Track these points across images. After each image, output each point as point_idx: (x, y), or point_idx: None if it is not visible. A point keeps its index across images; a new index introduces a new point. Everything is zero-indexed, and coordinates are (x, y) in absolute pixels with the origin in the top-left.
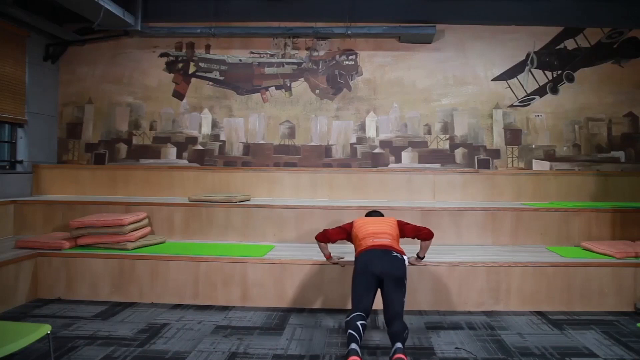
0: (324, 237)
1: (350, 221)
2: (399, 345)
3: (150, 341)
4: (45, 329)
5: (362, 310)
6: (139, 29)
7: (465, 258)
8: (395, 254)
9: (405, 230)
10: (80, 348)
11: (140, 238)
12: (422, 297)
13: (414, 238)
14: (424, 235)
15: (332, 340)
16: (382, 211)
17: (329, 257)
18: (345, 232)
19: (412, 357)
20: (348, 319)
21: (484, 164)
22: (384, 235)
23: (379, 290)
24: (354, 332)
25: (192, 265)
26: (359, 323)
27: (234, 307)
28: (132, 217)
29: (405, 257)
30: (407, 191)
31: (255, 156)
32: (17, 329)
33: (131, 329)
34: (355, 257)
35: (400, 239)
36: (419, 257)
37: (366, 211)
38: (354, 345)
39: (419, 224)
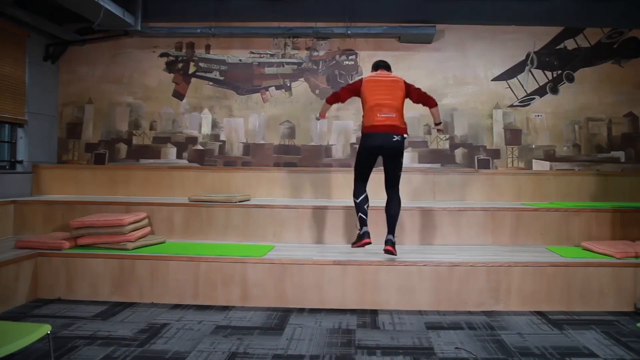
0: (335, 98)
1: (359, 78)
2: (389, 236)
3: (150, 341)
4: (45, 329)
5: (364, 182)
6: (139, 29)
7: (465, 258)
8: (395, 138)
9: (412, 92)
10: (80, 348)
11: (140, 238)
12: (422, 297)
13: (417, 102)
14: (427, 102)
15: (332, 340)
16: (382, 211)
17: (323, 116)
18: (355, 91)
19: (412, 357)
20: (358, 201)
21: (484, 164)
22: (389, 109)
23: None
24: (363, 215)
25: (192, 265)
26: (365, 206)
27: (234, 307)
28: (132, 217)
29: (405, 136)
30: (407, 191)
31: (255, 156)
32: (17, 329)
33: (131, 329)
34: (362, 134)
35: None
36: (437, 124)
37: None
38: (366, 228)
39: (418, 225)
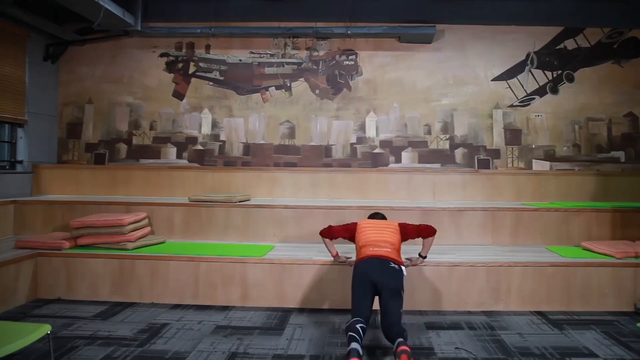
0: (329, 233)
1: (354, 221)
2: (400, 339)
3: (150, 341)
4: (45, 329)
5: (362, 317)
6: (139, 29)
7: (465, 258)
8: (392, 265)
9: (408, 231)
10: (80, 348)
11: (140, 238)
12: (422, 297)
13: (418, 237)
14: (426, 232)
15: (332, 340)
16: (383, 212)
17: (336, 255)
18: (349, 232)
19: (412, 357)
20: (348, 324)
21: (484, 164)
22: (384, 244)
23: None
24: (354, 334)
25: (192, 265)
26: (358, 326)
27: (234, 307)
28: (132, 217)
29: (403, 268)
30: (407, 191)
31: (255, 156)
32: (17, 329)
33: (131, 329)
34: (355, 265)
35: (404, 242)
36: (421, 257)
37: (367, 212)
38: (354, 345)
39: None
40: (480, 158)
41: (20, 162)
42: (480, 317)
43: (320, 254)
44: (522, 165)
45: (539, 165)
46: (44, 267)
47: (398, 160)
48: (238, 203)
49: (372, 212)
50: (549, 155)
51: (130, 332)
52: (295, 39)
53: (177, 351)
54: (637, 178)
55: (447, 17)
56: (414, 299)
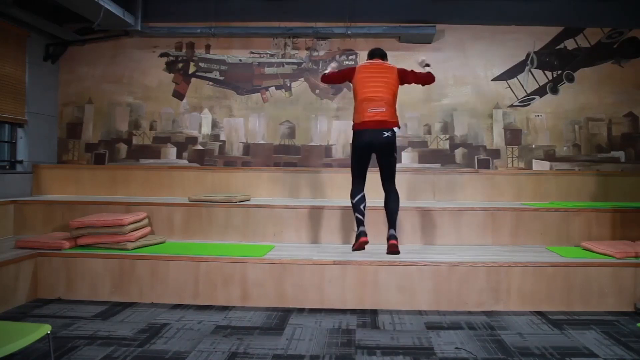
0: (329, 79)
1: (351, 67)
2: (391, 231)
3: (150, 341)
4: (45, 329)
5: (361, 179)
6: (139, 29)
7: (465, 258)
8: (386, 134)
9: (408, 78)
10: (80, 348)
11: (140, 238)
12: (422, 297)
13: (416, 83)
14: (423, 80)
15: (332, 340)
16: (383, 211)
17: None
18: (346, 78)
19: (412, 357)
20: (354, 201)
21: (484, 164)
22: (379, 103)
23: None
24: (360, 215)
25: (192, 265)
26: (361, 206)
27: (234, 307)
28: (132, 217)
29: (395, 130)
30: (407, 191)
31: (255, 156)
32: (17, 329)
33: (131, 329)
34: (353, 130)
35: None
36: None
37: (366, 212)
38: (362, 228)
39: (418, 225)
40: (480, 158)
41: (20, 162)
42: (480, 317)
43: (320, 254)
44: (522, 165)
45: (539, 165)
46: (44, 267)
47: (398, 160)
48: (238, 203)
49: (373, 47)
50: (549, 155)
51: (130, 332)
52: (295, 39)
53: (177, 351)
54: (637, 178)
55: (447, 17)
56: (414, 299)
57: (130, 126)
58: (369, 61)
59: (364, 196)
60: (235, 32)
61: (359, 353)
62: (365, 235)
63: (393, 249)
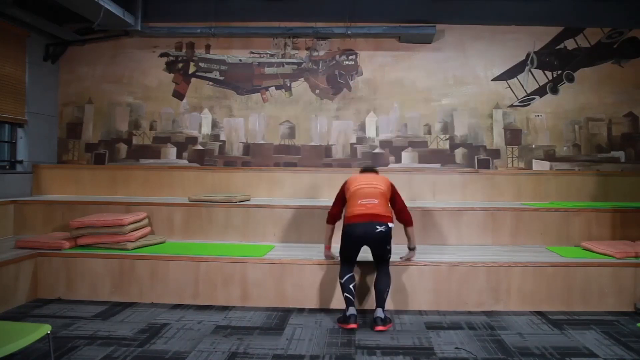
0: (333, 218)
1: (341, 187)
2: (379, 310)
3: (150, 341)
4: (45, 329)
5: (351, 266)
6: (139, 29)
7: (465, 258)
8: (379, 228)
9: (395, 197)
10: (80, 348)
11: (140, 238)
12: (422, 297)
13: (396, 213)
14: (404, 219)
15: (332, 340)
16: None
17: (328, 248)
18: (343, 201)
19: (412, 357)
20: (343, 281)
21: (484, 164)
22: (371, 196)
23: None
24: (349, 295)
25: (192, 265)
26: (351, 286)
27: (234, 307)
28: (132, 217)
29: (390, 225)
30: (407, 191)
31: (255, 156)
32: (17, 329)
33: (131, 329)
34: (344, 224)
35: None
36: (411, 249)
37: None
38: (352, 310)
39: (418, 225)
40: (480, 158)
41: (20, 162)
42: (480, 317)
43: (320, 254)
44: (522, 165)
45: (539, 165)
46: (44, 267)
47: (398, 160)
48: (238, 203)
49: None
50: (549, 155)
51: (130, 332)
52: (295, 39)
53: (177, 351)
54: (637, 178)
55: (447, 17)
56: (414, 299)
57: (130, 126)
58: (359, 176)
59: (353, 276)
60: (235, 32)
61: (359, 353)
62: (355, 321)
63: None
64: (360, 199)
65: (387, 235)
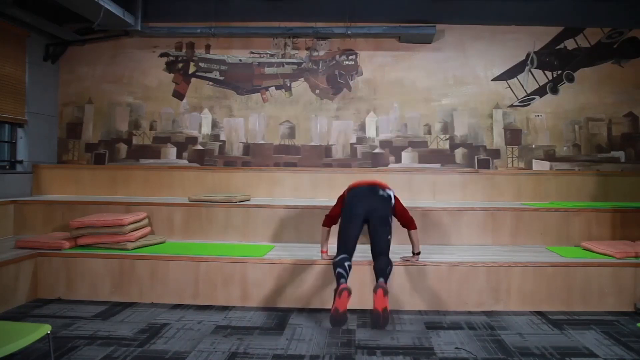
0: (331, 221)
1: (343, 192)
2: (381, 279)
3: (150, 341)
4: (45, 329)
5: (347, 252)
6: (139, 29)
7: (465, 258)
8: (381, 192)
9: (396, 205)
10: (80, 348)
11: (140, 238)
12: (422, 297)
13: (399, 221)
14: (408, 222)
15: (332, 340)
16: None
17: (324, 252)
18: (339, 203)
19: (412, 357)
20: (336, 260)
21: (484, 164)
22: (372, 179)
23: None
24: (342, 270)
25: (192, 265)
26: (346, 263)
27: (234, 307)
28: (132, 217)
29: (391, 193)
30: (407, 191)
31: (255, 156)
32: (17, 329)
33: (131, 329)
34: (345, 195)
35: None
36: (415, 254)
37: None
38: (342, 280)
39: (418, 224)
40: (480, 158)
41: (20, 162)
42: (480, 317)
43: (320, 254)
44: (522, 165)
45: (539, 165)
46: (44, 267)
47: (398, 160)
48: (238, 203)
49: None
50: (549, 155)
51: (130, 332)
52: (295, 39)
53: (177, 351)
54: (637, 178)
55: (447, 17)
56: (414, 299)
57: (130, 126)
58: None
59: (349, 258)
60: (235, 32)
61: (359, 353)
62: (349, 292)
63: (378, 315)
64: (362, 180)
65: (389, 202)
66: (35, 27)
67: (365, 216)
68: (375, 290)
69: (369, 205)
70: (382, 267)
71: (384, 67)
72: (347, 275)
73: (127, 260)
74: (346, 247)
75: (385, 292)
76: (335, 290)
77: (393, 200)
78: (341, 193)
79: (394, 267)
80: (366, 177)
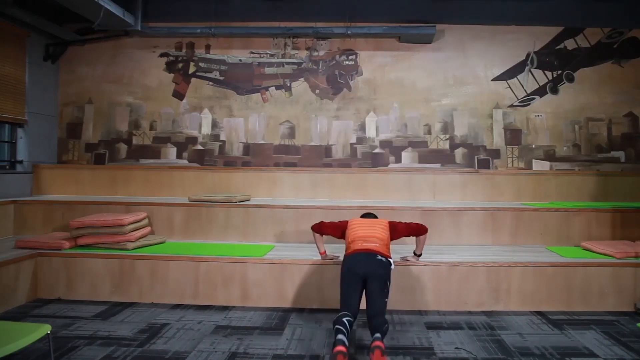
0: (319, 228)
1: (346, 220)
2: (377, 335)
3: (150, 341)
4: (45, 329)
5: (349, 310)
6: (139, 29)
7: (465, 258)
8: (380, 257)
9: (398, 229)
10: (80, 348)
11: (140, 238)
12: (422, 297)
13: (409, 236)
14: (417, 231)
15: (332, 340)
16: (383, 212)
17: (323, 253)
18: (340, 230)
19: (412, 357)
20: (336, 318)
21: (484, 164)
22: (372, 239)
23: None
24: (340, 327)
25: (192, 265)
26: (345, 319)
27: (234, 307)
28: (132, 217)
29: (390, 261)
30: (407, 191)
31: (255, 156)
32: (17, 329)
33: (131, 329)
34: (343, 260)
35: (398, 239)
36: (416, 255)
37: (365, 212)
38: (340, 336)
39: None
40: (480, 158)
41: (20, 162)
42: (480, 317)
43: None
44: (522, 165)
45: (539, 165)
46: (44, 267)
47: (398, 160)
48: (238, 203)
49: (366, 212)
50: (549, 155)
51: (130, 332)
52: (295, 39)
53: (177, 351)
54: (637, 178)
55: (447, 17)
56: (414, 299)
57: (130, 126)
58: (361, 218)
59: (349, 314)
60: (235, 32)
61: (359, 353)
62: (345, 344)
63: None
64: (362, 242)
65: (388, 265)
66: (35, 27)
67: (363, 276)
68: (372, 351)
69: (366, 267)
70: (378, 324)
71: (384, 67)
72: (347, 334)
73: (127, 260)
74: (349, 305)
75: (383, 353)
76: (332, 349)
77: (392, 266)
78: (344, 220)
79: (392, 277)
80: (366, 231)
